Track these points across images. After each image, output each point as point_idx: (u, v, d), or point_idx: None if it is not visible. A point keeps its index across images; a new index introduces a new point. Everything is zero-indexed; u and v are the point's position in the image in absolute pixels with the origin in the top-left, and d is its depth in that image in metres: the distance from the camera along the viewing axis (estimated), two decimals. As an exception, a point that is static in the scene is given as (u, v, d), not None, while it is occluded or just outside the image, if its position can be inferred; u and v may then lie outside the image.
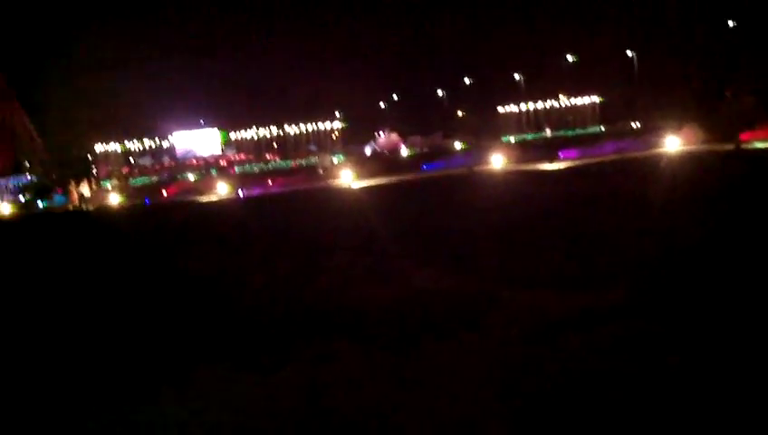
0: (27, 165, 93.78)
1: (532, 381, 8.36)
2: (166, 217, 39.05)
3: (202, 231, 28.44)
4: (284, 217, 31.75)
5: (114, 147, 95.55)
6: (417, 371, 9.03)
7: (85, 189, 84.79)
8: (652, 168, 35.53)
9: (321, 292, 14.23)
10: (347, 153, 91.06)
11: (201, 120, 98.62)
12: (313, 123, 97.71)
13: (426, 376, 8.82)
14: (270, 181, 71.24)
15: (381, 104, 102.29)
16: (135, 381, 9.69)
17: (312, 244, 20.65)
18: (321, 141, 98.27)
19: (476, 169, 52.92)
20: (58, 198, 79.64)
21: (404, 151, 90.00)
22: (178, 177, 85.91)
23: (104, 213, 55.01)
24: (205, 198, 57.36)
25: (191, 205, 50.37)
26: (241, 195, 57.75)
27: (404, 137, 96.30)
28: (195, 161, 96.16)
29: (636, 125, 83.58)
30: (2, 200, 79.28)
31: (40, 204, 77.39)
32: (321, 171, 76.31)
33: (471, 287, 13.09)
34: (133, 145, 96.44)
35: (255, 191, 60.33)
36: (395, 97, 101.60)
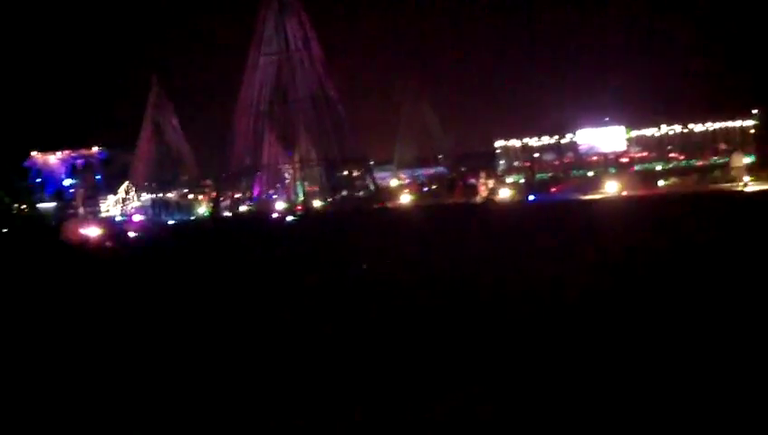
0: (437, 158, 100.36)
1: None
2: (524, 216, 39.73)
3: (533, 234, 28.59)
4: (642, 223, 30.30)
5: (514, 142, 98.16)
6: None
7: (490, 182, 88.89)
8: None
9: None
10: (761, 154, 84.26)
11: (606, 118, 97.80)
12: (723, 121, 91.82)
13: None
14: (662, 181, 69.00)
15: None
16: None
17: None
18: (732, 140, 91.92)
19: None
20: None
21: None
22: (573, 173, 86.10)
23: (485, 209, 57.39)
24: (585, 198, 57.14)
25: (562, 205, 50.47)
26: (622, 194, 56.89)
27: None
28: (596, 158, 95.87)
29: None
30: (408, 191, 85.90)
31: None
32: (732, 172, 71.78)
33: None
34: (534, 141, 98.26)
35: (640, 192, 58.92)
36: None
